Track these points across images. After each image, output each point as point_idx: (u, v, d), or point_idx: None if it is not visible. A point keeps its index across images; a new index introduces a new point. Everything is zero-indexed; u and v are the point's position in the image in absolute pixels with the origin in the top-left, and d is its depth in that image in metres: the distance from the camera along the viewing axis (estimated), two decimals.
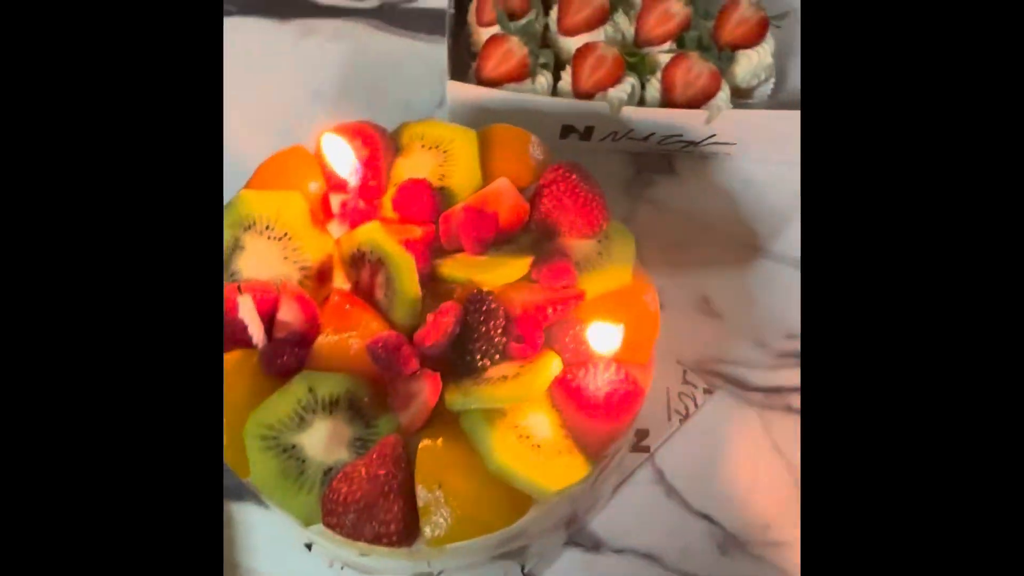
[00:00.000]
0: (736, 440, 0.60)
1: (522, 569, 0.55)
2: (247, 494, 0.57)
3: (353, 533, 0.44)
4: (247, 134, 0.68)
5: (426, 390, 0.46)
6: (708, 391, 0.62)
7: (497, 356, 0.47)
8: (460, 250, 0.51)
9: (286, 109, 0.71)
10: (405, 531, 0.44)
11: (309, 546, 0.55)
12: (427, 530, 0.44)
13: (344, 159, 0.50)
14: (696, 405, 0.61)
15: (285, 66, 0.73)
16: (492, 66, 0.66)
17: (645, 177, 0.70)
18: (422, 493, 0.44)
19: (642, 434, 0.60)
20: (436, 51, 0.73)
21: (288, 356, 0.47)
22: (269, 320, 0.48)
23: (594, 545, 0.57)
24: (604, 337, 0.46)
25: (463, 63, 0.70)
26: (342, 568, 0.55)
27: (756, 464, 0.60)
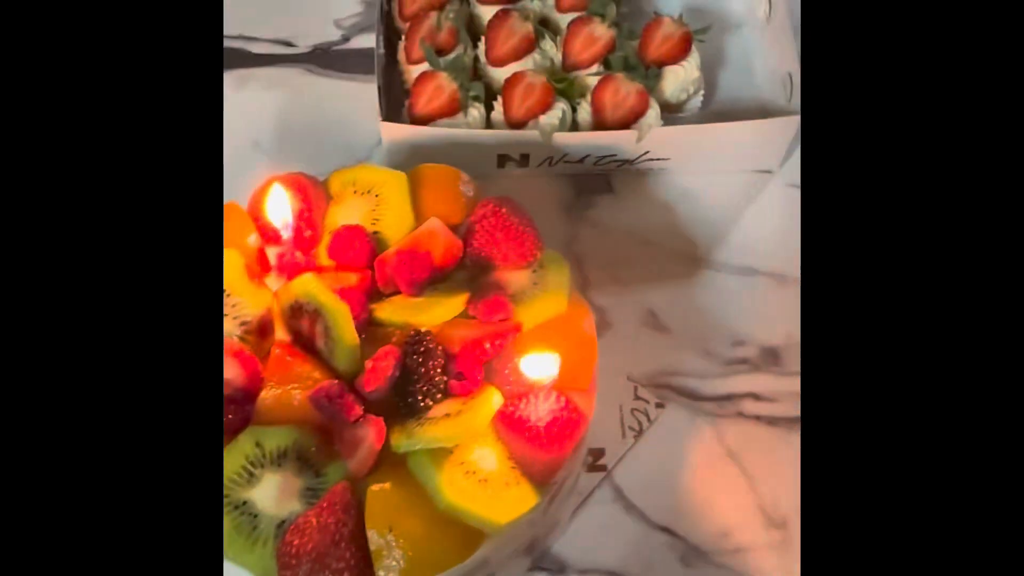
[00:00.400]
0: (691, 451, 0.62)
1: None
2: None
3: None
4: None
5: (371, 435, 0.47)
6: (660, 405, 0.63)
7: (439, 395, 0.48)
8: (397, 292, 0.52)
9: (226, 162, 0.71)
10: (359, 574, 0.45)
11: None
12: (381, 574, 0.45)
13: (278, 211, 0.51)
14: (649, 420, 0.62)
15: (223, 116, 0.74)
16: (423, 103, 0.67)
17: (585, 199, 0.71)
18: (374, 537, 0.45)
19: (597, 453, 0.61)
20: (371, 91, 0.74)
21: (233, 414, 0.47)
22: None
23: (559, 568, 0.58)
24: (541, 367, 0.47)
25: (398, 102, 0.71)
26: None
27: (712, 472, 0.61)
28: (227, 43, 0.78)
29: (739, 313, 0.67)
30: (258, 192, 0.54)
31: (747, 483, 0.61)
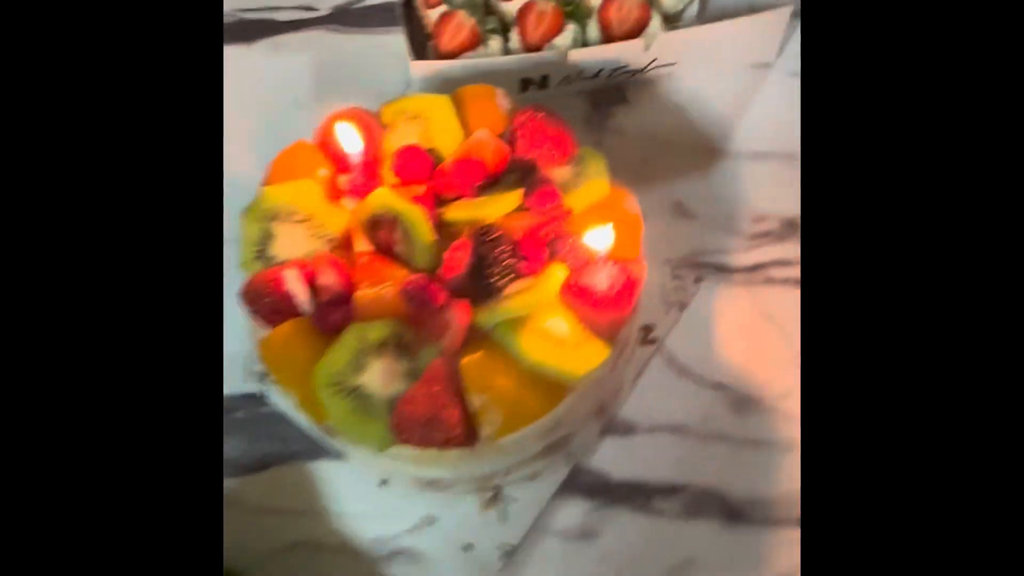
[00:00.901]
0: (729, 316, 0.69)
1: (570, 458, 0.63)
2: (321, 453, 0.65)
3: (425, 443, 0.52)
4: (244, 148, 0.75)
5: (458, 316, 0.54)
6: (698, 280, 0.70)
7: (511, 276, 0.55)
8: (458, 197, 0.59)
9: (273, 120, 0.78)
10: (467, 434, 0.52)
11: (385, 482, 0.63)
12: (485, 429, 0.52)
13: (346, 141, 0.58)
14: (690, 294, 0.69)
15: (262, 83, 0.81)
16: (447, 40, 0.74)
17: (603, 111, 0.78)
18: (474, 399, 0.52)
19: (648, 329, 0.68)
20: (393, 40, 0.80)
21: (337, 314, 0.54)
22: (311, 288, 0.55)
23: (627, 430, 0.65)
24: (597, 239, 0.54)
25: (421, 44, 0.77)
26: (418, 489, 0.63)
27: (750, 332, 0.68)
28: (255, 15, 0.84)
29: (756, 193, 0.73)
30: (324, 127, 0.61)
31: (783, 338, 0.68)
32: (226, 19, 0.84)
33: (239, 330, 0.68)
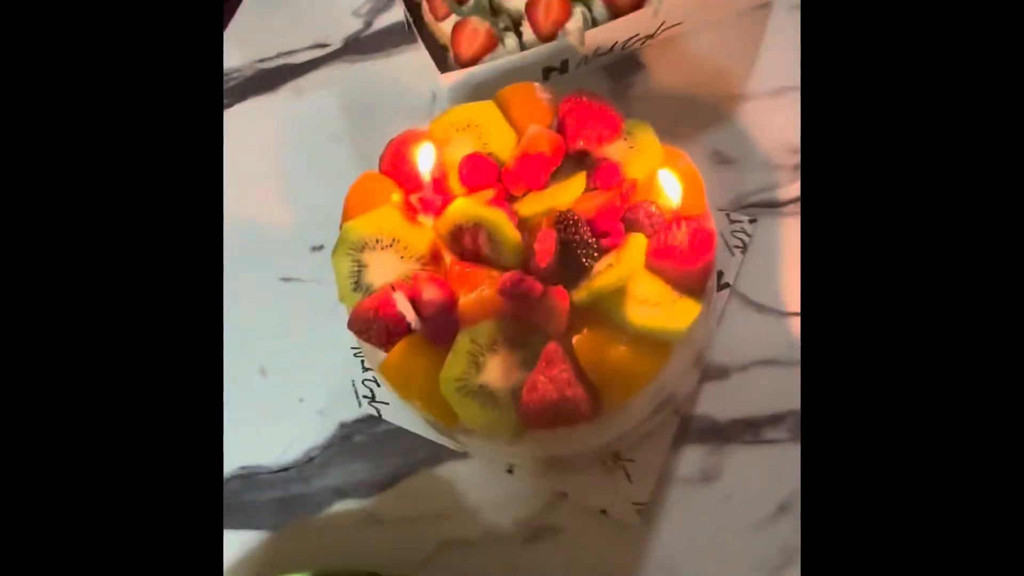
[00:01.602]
0: (789, 245, 0.72)
1: (677, 412, 0.67)
2: (444, 457, 0.69)
3: (554, 423, 0.56)
4: (296, 191, 0.79)
5: (558, 301, 0.57)
6: (753, 220, 0.73)
7: (596, 254, 0.59)
8: (526, 193, 0.62)
9: (316, 158, 0.82)
10: (593, 406, 0.56)
11: (510, 470, 0.67)
12: (607, 394, 0.56)
13: (422, 161, 0.62)
14: (748, 235, 0.73)
15: (296, 125, 0.84)
16: (465, 48, 0.77)
17: (624, 82, 0.81)
18: (591, 373, 0.56)
19: (719, 275, 0.71)
20: (408, 59, 0.84)
21: (445, 325, 0.58)
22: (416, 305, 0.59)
23: (722, 373, 0.69)
24: (667, 199, 0.58)
25: (439, 57, 0.80)
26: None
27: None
28: (273, 63, 0.87)
29: (785, 127, 0.77)
30: (387, 155, 0.64)
31: None
32: (246, 72, 0.87)
33: (345, 359, 0.72)
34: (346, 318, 0.75)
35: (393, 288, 0.58)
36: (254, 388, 0.74)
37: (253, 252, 0.78)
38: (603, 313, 0.57)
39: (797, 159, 0.76)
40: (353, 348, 0.73)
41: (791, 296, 0.71)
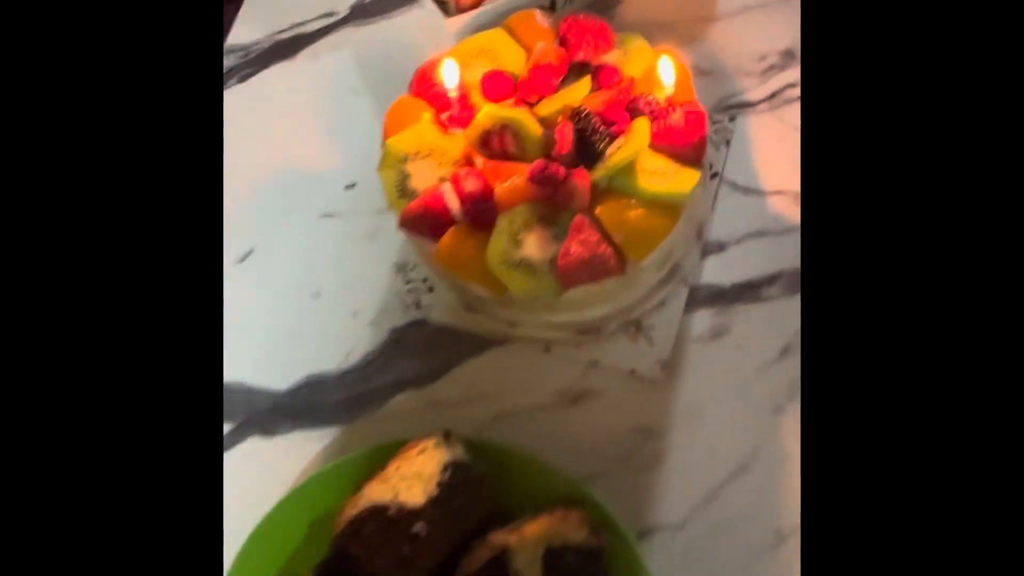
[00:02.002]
0: (767, 137, 0.83)
1: (685, 282, 0.78)
2: (487, 345, 0.78)
3: (589, 279, 0.66)
4: (334, 138, 0.89)
5: (580, 182, 0.67)
6: (732, 118, 0.84)
7: (608, 139, 0.69)
8: (540, 99, 0.72)
9: (343, 111, 0.91)
10: (619, 262, 0.66)
11: (547, 349, 0.77)
12: (629, 251, 0.66)
13: (448, 78, 0.72)
14: (729, 131, 0.84)
15: (319, 86, 0.94)
16: None
17: (607, 15, 0.92)
18: (615, 236, 0.66)
19: (709, 167, 0.82)
20: (413, 18, 0.94)
21: (487, 211, 0.68)
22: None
23: (720, 247, 0.80)
24: (663, 85, 0.69)
25: (444, 5, 0.90)
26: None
27: (784, 144, 0.83)
28: (288, 34, 0.97)
29: (752, 39, 0.88)
30: (416, 79, 0.74)
31: None
32: (264, 44, 0.97)
33: (389, 275, 0.82)
34: (383, 242, 0.85)
35: (441, 180, 0.68)
36: (311, 309, 0.83)
37: (296, 195, 0.87)
38: (618, 188, 0.68)
39: (764, 65, 0.87)
40: (396, 264, 0.83)
41: (771, 177, 0.81)
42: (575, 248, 0.66)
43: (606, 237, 0.66)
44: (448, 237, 0.69)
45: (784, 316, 0.76)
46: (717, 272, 0.79)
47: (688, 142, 0.68)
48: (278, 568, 0.69)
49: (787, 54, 0.87)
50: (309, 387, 0.80)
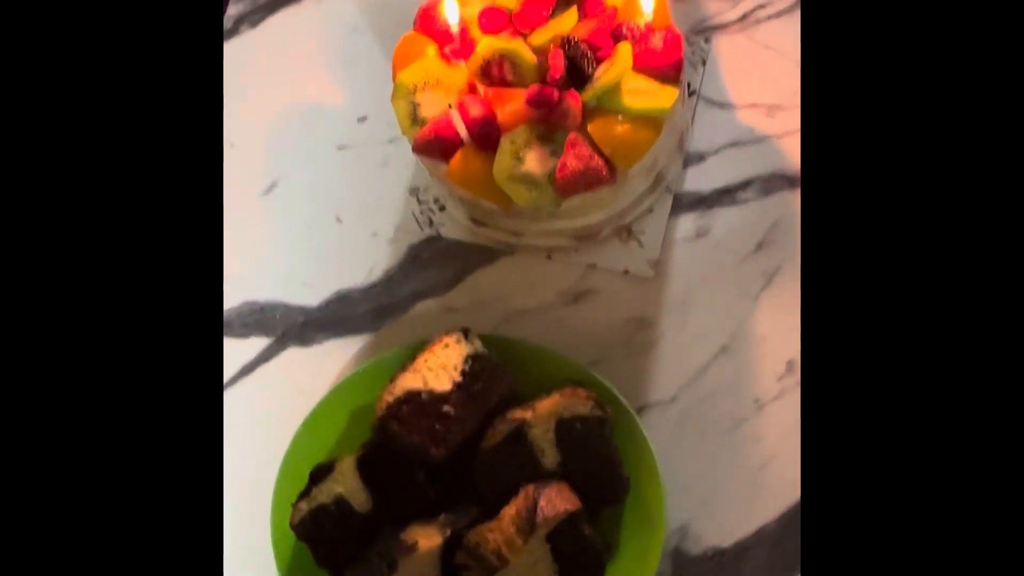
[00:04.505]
0: (738, 56, 0.92)
1: (669, 190, 0.87)
2: (493, 257, 0.88)
3: (585, 187, 0.75)
4: (343, 73, 0.97)
5: (572, 102, 0.76)
6: (707, 40, 0.92)
7: (595, 63, 0.77)
8: (532, 30, 0.80)
9: (346, 48, 0.99)
10: (611, 172, 0.75)
11: (549, 256, 0.87)
12: (618, 162, 0.75)
13: (450, 14, 0.80)
14: (705, 51, 0.92)
15: (325, 26, 1.01)
16: None
17: None
18: (605, 148, 0.75)
19: (687, 86, 0.91)
20: None
21: (491, 131, 0.77)
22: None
23: (700, 158, 0.89)
24: (643, 12, 0.77)
25: None
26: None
27: (758, 62, 0.91)
28: None
29: None
30: (419, 17, 0.82)
31: (781, 57, 0.91)
32: None
33: (403, 198, 0.90)
34: (396, 169, 0.94)
35: (450, 107, 0.77)
36: (335, 232, 0.92)
37: (313, 131, 0.96)
38: (606, 106, 0.77)
39: None
40: (409, 188, 0.92)
41: (744, 92, 0.90)
42: (571, 161, 0.75)
43: (597, 150, 0.75)
44: (458, 158, 0.78)
45: (757, 216, 0.86)
46: (698, 180, 0.88)
47: (667, 63, 0.77)
48: (328, 452, 0.79)
49: None
50: (338, 302, 0.90)
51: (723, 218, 0.86)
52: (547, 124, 0.77)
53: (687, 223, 0.87)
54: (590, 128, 0.76)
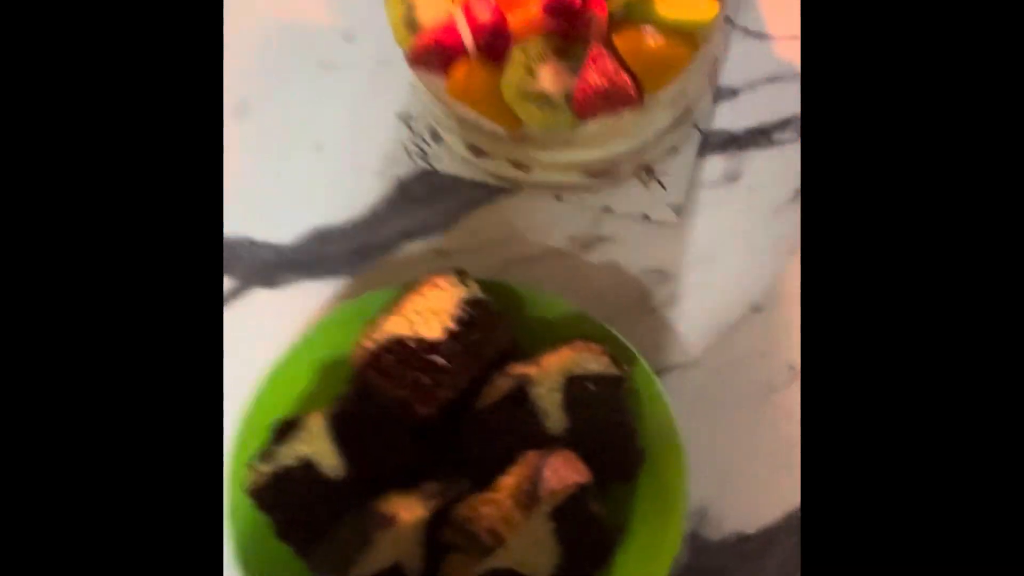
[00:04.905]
0: None
1: (697, 127, 0.76)
2: (495, 194, 0.77)
3: (608, 109, 0.64)
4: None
5: (596, 11, 0.65)
6: None
7: None
8: None
9: None
10: (637, 92, 0.65)
11: (558, 197, 0.76)
12: (647, 82, 0.65)
13: None
14: None
15: None
16: None
17: None
18: (632, 64, 0.64)
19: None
20: None
21: (501, 41, 0.66)
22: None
23: (732, 93, 0.78)
24: None
25: None
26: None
27: None
28: None
29: None
30: None
31: None
32: None
33: (392, 126, 0.79)
34: (384, 93, 0.83)
35: (454, 7, 0.65)
36: (313, 162, 0.80)
37: (293, 48, 0.84)
38: (637, 16, 0.66)
39: None
40: (399, 113, 0.80)
41: (783, 23, 0.80)
42: (593, 77, 0.64)
43: (624, 66, 0.65)
44: (460, 70, 0.66)
45: (796, 160, 0.76)
46: (729, 117, 0.78)
47: None
48: (296, 408, 0.68)
49: None
50: (314, 239, 0.78)
51: (756, 161, 0.76)
52: (565, 37, 0.66)
53: (716, 165, 0.76)
54: (616, 41, 0.65)
